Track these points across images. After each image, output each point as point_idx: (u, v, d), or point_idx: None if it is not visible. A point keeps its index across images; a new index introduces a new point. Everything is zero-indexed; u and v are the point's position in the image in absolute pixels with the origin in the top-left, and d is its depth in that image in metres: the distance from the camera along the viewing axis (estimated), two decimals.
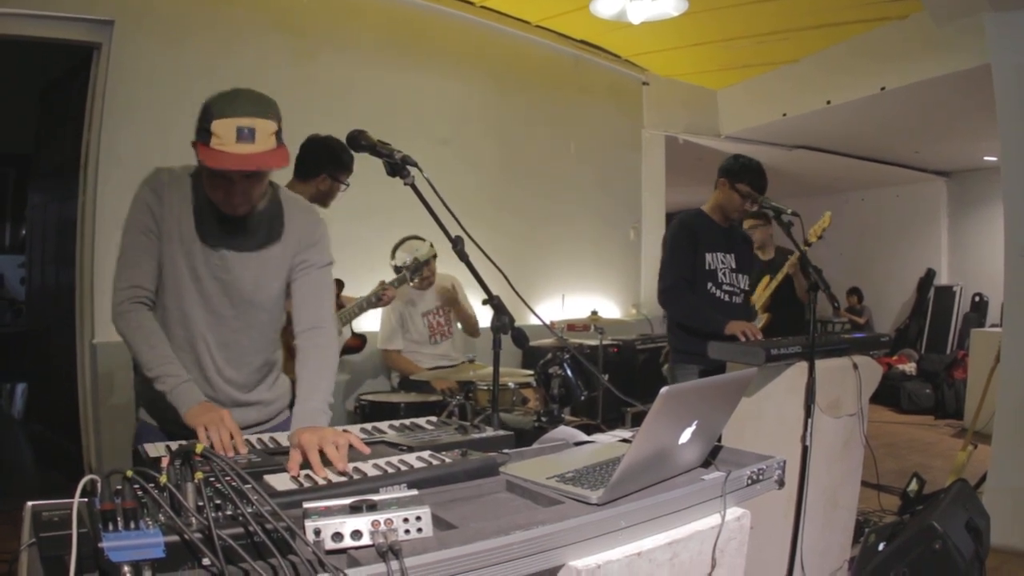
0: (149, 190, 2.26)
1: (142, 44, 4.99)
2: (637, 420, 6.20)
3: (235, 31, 5.45)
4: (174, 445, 1.96)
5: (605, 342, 6.47)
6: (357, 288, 4.65)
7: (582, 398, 4.54)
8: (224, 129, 2.02)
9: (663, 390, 1.51)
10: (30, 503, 1.35)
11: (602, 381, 4.39)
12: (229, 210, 2.24)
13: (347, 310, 4.31)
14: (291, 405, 2.67)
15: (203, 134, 2.05)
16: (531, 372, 4.79)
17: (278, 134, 2.12)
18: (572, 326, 6.91)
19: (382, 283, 4.49)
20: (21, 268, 8.22)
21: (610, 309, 8.14)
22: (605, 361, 6.43)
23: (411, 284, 5.10)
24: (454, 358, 5.23)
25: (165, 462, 1.44)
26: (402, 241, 5.16)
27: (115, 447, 4.89)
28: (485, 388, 4.61)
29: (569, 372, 4.52)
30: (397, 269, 5.31)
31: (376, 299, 4.46)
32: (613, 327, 6.95)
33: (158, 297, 2.32)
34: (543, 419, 4.21)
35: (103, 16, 4.86)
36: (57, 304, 5.66)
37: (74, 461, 5.21)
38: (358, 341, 4.65)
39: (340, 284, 4.34)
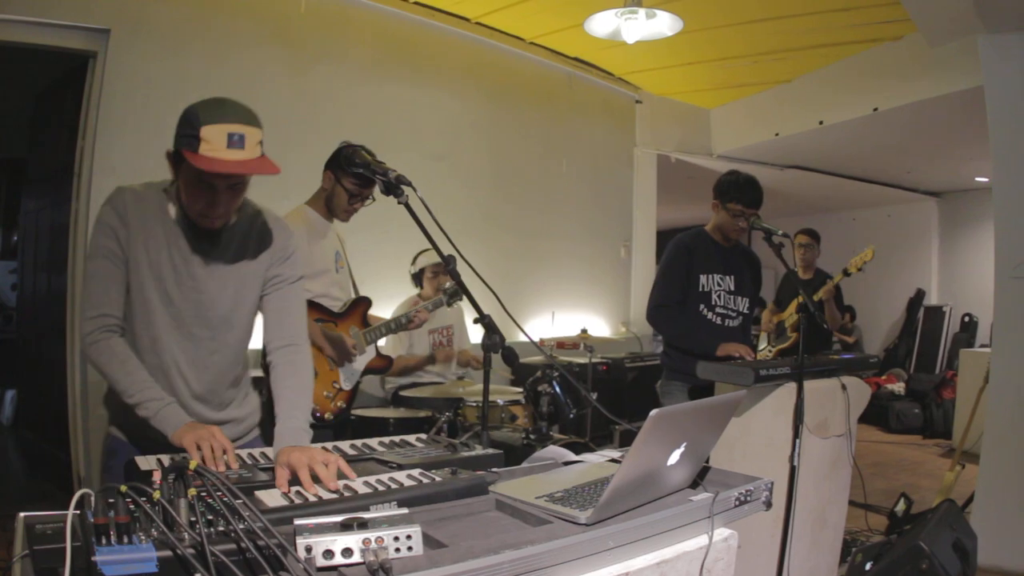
0: (112, 212, 2.22)
1: (138, 53, 5.01)
2: (625, 438, 6.21)
3: (231, 42, 5.47)
4: (166, 459, 1.98)
5: (594, 360, 6.48)
6: None
7: (571, 416, 4.53)
8: (214, 135, 1.99)
9: (653, 413, 1.52)
10: (22, 514, 1.36)
11: (591, 401, 4.39)
12: (207, 222, 2.21)
13: (373, 329, 4.09)
14: (261, 423, 2.67)
15: (189, 140, 2.02)
16: (520, 389, 4.80)
17: (262, 144, 2.10)
18: (562, 344, 6.93)
19: (415, 303, 4.28)
20: (12, 274, 8.21)
21: (600, 327, 8.15)
22: (594, 379, 6.45)
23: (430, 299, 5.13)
24: (448, 378, 5.25)
25: (157, 476, 1.45)
26: (422, 251, 5.21)
27: (104, 456, 4.87)
28: (473, 405, 4.61)
29: (558, 390, 4.51)
30: (416, 276, 5.32)
31: (406, 320, 4.25)
32: (602, 345, 6.97)
33: (128, 325, 2.28)
34: (531, 436, 4.21)
35: (99, 25, 4.88)
36: (49, 311, 5.66)
37: (63, 469, 5.20)
38: (383, 362, 4.29)
39: (368, 301, 4.13)
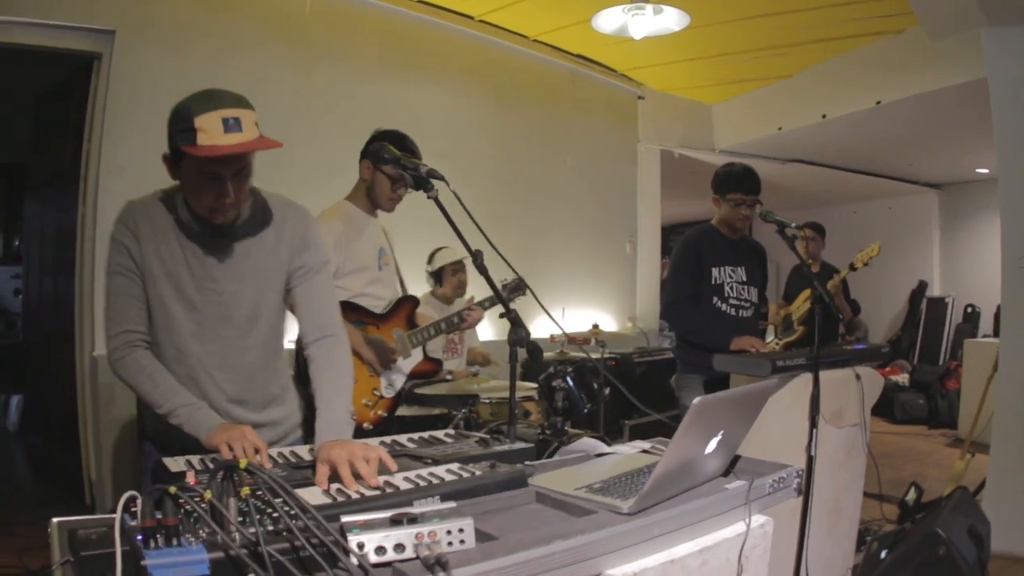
0: (123, 228, 2.20)
1: (143, 54, 5.02)
2: (635, 433, 6.21)
3: (236, 42, 5.48)
4: (195, 460, 1.97)
5: (604, 356, 6.47)
6: None
7: (585, 410, 4.53)
8: (209, 123, 1.97)
9: (696, 401, 1.54)
10: (56, 520, 1.35)
11: (603, 396, 4.37)
12: (220, 217, 2.17)
13: (420, 331, 3.70)
14: (303, 422, 2.61)
15: (185, 135, 1.99)
16: (534, 385, 4.79)
17: (257, 125, 2.07)
18: (572, 339, 6.92)
19: (471, 300, 3.86)
20: (16, 279, 8.19)
21: (607, 322, 8.16)
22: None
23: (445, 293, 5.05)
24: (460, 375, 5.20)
25: (190, 477, 1.44)
26: (438, 249, 5.16)
27: (116, 459, 4.87)
28: (487, 402, 4.61)
29: (572, 384, 4.52)
30: (435, 275, 5.24)
31: (459, 319, 3.84)
32: (610, 340, 6.97)
33: (152, 337, 2.26)
34: (547, 432, 4.20)
35: (104, 26, 4.89)
36: (54, 316, 5.64)
37: (71, 473, 5.19)
38: (431, 365, 3.86)
39: (413, 301, 3.76)
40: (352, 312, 3.46)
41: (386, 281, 3.67)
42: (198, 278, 2.24)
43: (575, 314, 7.73)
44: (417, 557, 1.25)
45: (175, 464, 1.95)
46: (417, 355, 3.74)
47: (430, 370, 3.88)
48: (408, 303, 3.72)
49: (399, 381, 3.64)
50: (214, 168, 2.06)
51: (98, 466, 4.92)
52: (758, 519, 1.82)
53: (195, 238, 2.23)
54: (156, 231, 2.21)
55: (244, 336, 2.35)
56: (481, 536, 1.40)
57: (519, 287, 4.08)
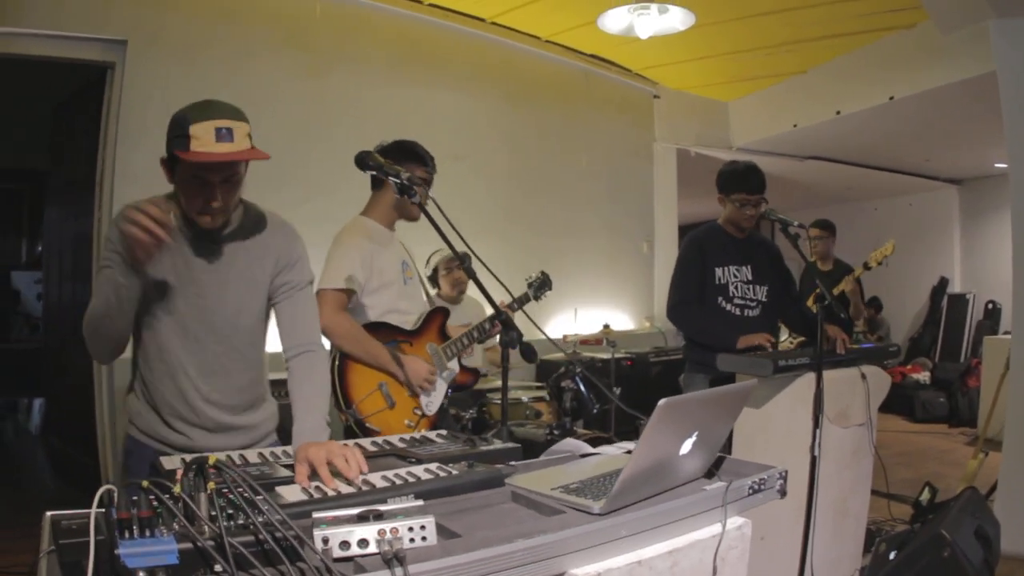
0: (115, 230, 2.20)
1: (155, 63, 5.08)
2: None
3: (247, 49, 5.54)
4: (189, 458, 2.02)
5: (618, 355, 6.48)
6: None
7: (594, 411, 4.55)
8: (202, 131, 2.06)
9: (661, 402, 1.54)
10: (48, 513, 1.40)
11: (610, 396, 4.38)
12: (207, 221, 2.24)
13: (453, 342, 3.55)
14: (279, 428, 2.66)
15: (179, 141, 2.08)
16: (543, 385, 4.81)
17: (250, 136, 2.16)
18: (585, 340, 6.94)
19: (503, 303, 3.45)
20: (38, 284, 8.31)
21: (623, 322, 8.16)
22: (619, 374, 6.44)
23: (439, 291, 5.04)
24: None
25: (180, 475, 1.48)
26: (434, 252, 5.16)
27: None
28: (497, 402, 4.63)
29: (581, 386, 4.53)
30: (431, 278, 5.24)
31: (491, 324, 3.58)
32: (627, 340, 6.97)
33: (135, 334, 2.33)
34: (555, 432, 4.22)
35: (116, 36, 4.96)
36: (74, 320, 5.72)
37: (91, 475, 5.26)
38: (469, 376, 3.70)
39: (444, 312, 3.62)
40: (384, 331, 3.37)
41: (412, 294, 3.58)
42: (182, 280, 2.30)
43: (591, 314, 7.73)
44: (379, 553, 1.28)
45: (170, 462, 2.00)
46: (453, 367, 3.61)
47: (469, 381, 3.74)
48: (439, 315, 3.61)
49: (440, 397, 3.51)
50: (204, 173, 2.14)
51: (115, 467, 4.98)
52: (735, 521, 1.82)
53: (183, 242, 2.29)
54: None
55: (223, 340, 2.40)
56: (446, 533, 1.43)
57: (545, 284, 4.03)
